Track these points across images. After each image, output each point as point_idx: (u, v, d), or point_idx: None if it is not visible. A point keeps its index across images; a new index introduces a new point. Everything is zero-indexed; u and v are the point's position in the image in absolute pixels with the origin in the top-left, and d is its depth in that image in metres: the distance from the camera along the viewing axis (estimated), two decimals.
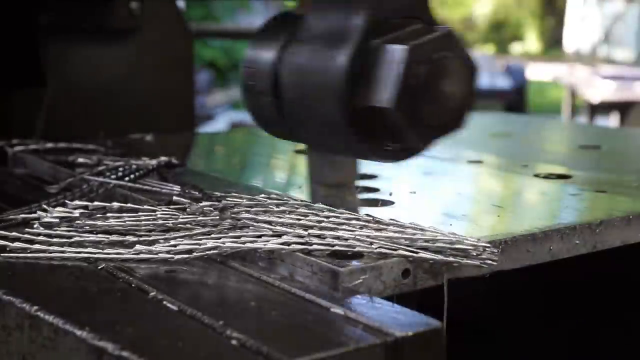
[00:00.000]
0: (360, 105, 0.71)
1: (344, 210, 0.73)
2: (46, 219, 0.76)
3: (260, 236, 0.70)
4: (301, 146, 1.28)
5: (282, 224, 0.71)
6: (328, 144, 0.78)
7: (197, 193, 0.83)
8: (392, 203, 0.88)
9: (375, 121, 0.72)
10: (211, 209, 0.74)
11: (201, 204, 0.75)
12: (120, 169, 0.95)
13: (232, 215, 0.72)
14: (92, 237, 0.73)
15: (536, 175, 1.04)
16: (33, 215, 0.79)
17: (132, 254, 0.70)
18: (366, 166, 1.10)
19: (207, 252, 0.70)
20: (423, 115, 0.71)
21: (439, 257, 0.68)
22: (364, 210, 0.79)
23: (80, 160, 1.01)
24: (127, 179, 0.92)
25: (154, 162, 0.97)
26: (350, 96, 0.71)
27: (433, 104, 0.72)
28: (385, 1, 0.72)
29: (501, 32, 20.35)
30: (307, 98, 0.74)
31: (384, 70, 0.70)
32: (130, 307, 0.61)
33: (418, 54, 0.70)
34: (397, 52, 0.70)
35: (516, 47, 20.25)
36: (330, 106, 0.72)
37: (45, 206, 0.81)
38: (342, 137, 0.73)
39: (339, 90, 0.71)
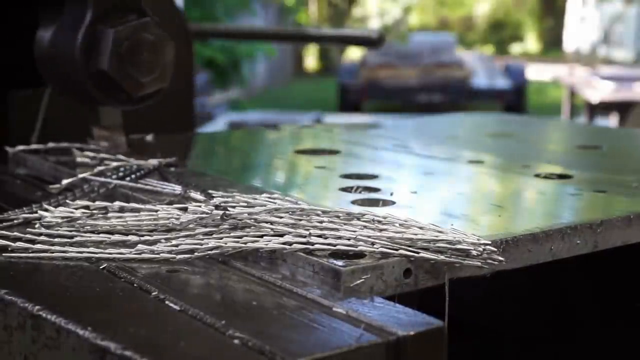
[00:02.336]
0: (93, 69, 1.06)
1: (344, 211, 0.74)
2: (48, 219, 0.76)
3: (261, 236, 0.70)
4: (301, 146, 1.29)
5: (284, 224, 0.71)
6: (78, 94, 1.11)
7: (198, 193, 0.83)
8: (393, 203, 0.88)
9: (104, 80, 1.07)
10: (213, 209, 0.74)
11: (203, 205, 0.75)
12: (122, 169, 0.95)
13: (233, 216, 0.72)
14: (94, 237, 0.73)
15: (536, 175, 1.04)
16: (34, 215, 0.79)
17: (134, 253, 0.70)
18: (366, 166, 1.10)
19: (209, 252, 0.70)
20: (132, 74, 1.07)
21: (440, 257, 0.68)
22: (365, 210, 0.79)
23: (81, 160, 1.01)
24: (128, 178, 0.92)
25: (155, 162, 0.97)
26: (85, 62, 1.06)
27: (137, 66, 1.07)
28: (105, 2, 1.08)
29: (501, 33, 20.36)
30: (64, 65, 1.08)
31: (102, 46, 1.06)
32: (132, 306, 0.61)
33: (122, 34, 1.06)
34: (109, 33, 1.06)
35: (515, 48, 20.26)
36: (75, 68, 1.07)
37: (46, 206, 0.81)
38: (84, 89, 1.08)
39: (77, 57, 1.06)
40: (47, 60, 1.11)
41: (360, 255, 0.68)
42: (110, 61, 1.06)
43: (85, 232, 0.75)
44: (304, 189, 1.02)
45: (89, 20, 1.07)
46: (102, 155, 1.02)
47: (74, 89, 1.11)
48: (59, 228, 0.75)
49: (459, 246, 0.69)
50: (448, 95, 10.45)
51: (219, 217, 0.72)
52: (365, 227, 0.71)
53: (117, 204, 0.78)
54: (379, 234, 0.69)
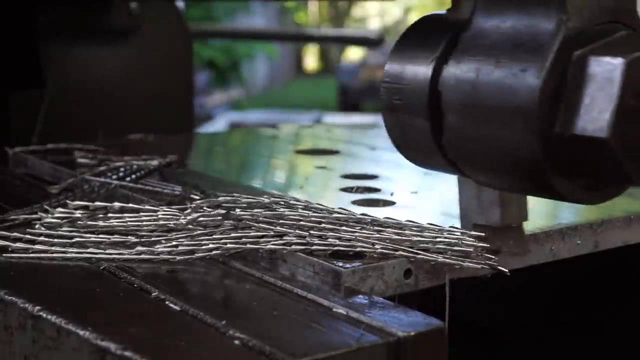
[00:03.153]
0: (559, 134, 0.57)
1: (345, 211, 0.73)
2: (48, 220, 0.76)
3: (261, 237, 0.70)
4: (301, 146, 1.29)
5: (283, 225, 0.71)
6: (508, 180, 0.64)
7: (197, 193, 0.83)
8: (393, 203, 0.88)
9: (577, 153, 0.58)
10: (213, 209, 0.74)
11: (203, 206, 0.75)
12: (122, 169, 0.95)
13: (234, 217, 0.72)
14: (94, 238, 0.73)
15: None
16: (34, 215, 0.79)
17: (134, 254, 0.70)
18: (366, 166, 1.10)
19: (209, 253, 0.70)
20: None
21: (440, 258, 0.68)
22: (366, 211, 0.79)
23: (81, 160, 1.01)
24: (128, 179, 0.92)
25: (155, 162, 0.97)
26: (547, 121, 0.57)
27: None
28: (585, 2, 0.58)
29: None
30: (483, 122, 0.60)
31: (592, 89, 0.56)
32: (132, 307, 0.61)
33: (638, 69, 0.56)
34: (611, 67, 0.56)
35: None
36: (519, 134, 0.57)
37: (46, 207, 0.80)
38: (532, 172, 0.59)
39: (533, 113, 0.56)
40: (433, 115, 0.63)
41: (361, 255, 0.68)
42: (615, 122, 0.55)
43: (85, 232, 0.75)
44: (304, 189, 1.02)
45: (560, 40, 0.57)
46: (102, 155, 1.02)
47: (494, 164, 0.62)
48: (59, 228, 0.75)
49: (458, 248, 0.69)
50: None
51: (219, 218, 0.72)
52: (365, 227, 0.71)
53: (117, 204, 0.78)
54: (378, 234, 0.69)
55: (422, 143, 0.65)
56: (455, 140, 0.63)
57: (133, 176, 0.93)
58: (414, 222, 0.72)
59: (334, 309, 0.59)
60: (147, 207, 0.77)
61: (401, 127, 0.66)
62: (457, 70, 0.61)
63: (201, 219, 0.73)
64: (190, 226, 0.73)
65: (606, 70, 0.56)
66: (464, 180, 0.71)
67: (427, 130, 0.64)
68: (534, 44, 0.57)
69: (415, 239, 0.69)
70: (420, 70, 0.63)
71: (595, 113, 0.55)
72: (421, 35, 0.65)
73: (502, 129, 0.58)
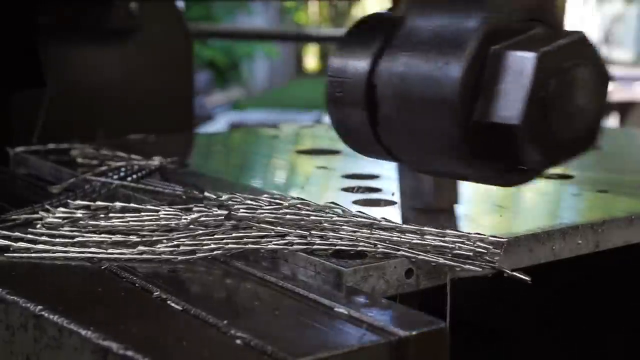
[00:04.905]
0: (477, 122, 0.63)
1: (346, 210, 0.74)
2: (49, 219, 0.76)
3: (263, 237, 0.70)
4: (302, 146, 1.29)
5: (285, 224, 0.71)
6: (435, 165, 0.69)
7: (198, 193, 0.83)
8: (394, 203, 0.88)
9: (494, 140, 0.63)
10: (215, 209, 0.74)
11: (205, 206, 0.75)
12: (123, 169, 0.95)
13: (236, 217, 0.72)
14: (95, 237, 0.73)
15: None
16: (36, 215, 0.79)
17: (136, 254, 0.70)
18: (367, 166, 1.10)
19: (211, 253, 0.70)
20: (552, 133, 0.62)
21: (441, 259, 0.68)
22: (366, 211, 0.79)
23: (82, 160, 1.01)
24: (129, 179, 0.92)
25: (156, 162, 0.97)
26: (467, 110, 0.62)
27: (563, 119, 0.63)
28: (504, 1, 0.64)
29: None
30: (411, 112, 0.66)
31: (507, 82, 0.61)
32: (134, 306, 0.61)
33: (548, 62, 0.61)
34: (524, 61, 0.61)
35: None
36: (443, 122, 0.63)
37: (48, 206, 0.81)
38: (455, 157, 0.65)
39: (454, 103, 0.62)
40: (370, 104, 0.68)
41: (362, 255, 0.68)
42: (527, 110, 0.61)
43: (86, 232, 0.75)
44: (305, 189, 1.02)
45: (479, 35, 0.63)
46: (102, 155, 1.02)
47: (431, 154, 0.68)
48: (60, 228, 0.75)
49: (459, 251, 0.69)
50: None
51: (220, 218, 0.72)
52: (366, 227, 0.71)
53: (119, 204, 0.78)
54: (380, 234, 0.69)
55: (361, 133, 0.71)
56: (389, 130, 0.69)
57: (134, 176, 0.93)
58: (414, 223, 0.72)
59: (336, 309, 0.59)
60: (148, 207, 0.77)
61: (343, 118, 0.72)
62: (390, 65, 0.67)
63: (202, 219, 0.73)
64: (191, 226, 0.73)
65: (519, 64, 0.61)
66: (401, 167, 0.79)
67: (365, 121, 0.69)
68: (456, 40, 0.63)
69: (416, 240, 0.69)
70: (359, 64, 0.68)
71: (509, 102, 0.61)
72: (362, 33, 0.71)
73: (428, 118, 0.64)
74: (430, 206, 0.78)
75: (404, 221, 0.73)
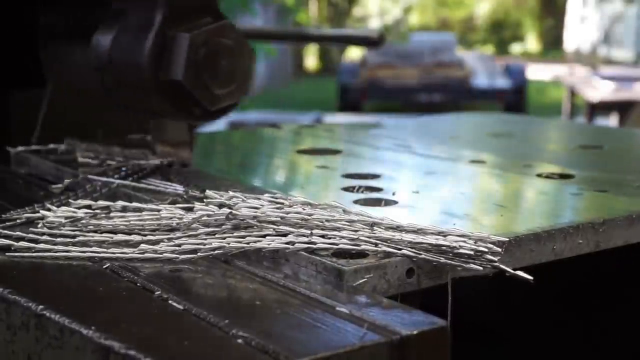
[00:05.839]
0: (163, 79, 0.93)
1: (347, 210, 0.74)
2: (50, 219, 0.76)
3: (264, 236, 0.70)
4: (302, 146, 1.29)
5: (286, 224, 0.71)
6: (144, 107, 1.00)
7: (198, 192, 0.83)
8: (395, 202, 0.88)
9: (177, 91, 0.94)
10: (216, 209, 0.74)
11: (206, 205, 0.75)
12: (123, 168, 0.95)
13: (237, 216, 0.72)
14: (97, 237, 0.73)
15: (538, 175, 1.04)
16: (37, 214, 0.80)
17: (137, 253, 0.70)
18: (368, 166, 1.10)
19: (212, 252, 0.70)
20: (208, 85, 0.95)
21: (442, 259, 0.68)
22: (367, 210, 0.79)
23: (83, 160, 1.01)
24: (130, 178, 0.92)
25: (156, 161, 0.97)
26: (154, 70, 0.93)
27: (215, 76, 0.95)
28: (177, 1, 0.95)
29: (501, 33, 20.35)
30: (128, 74, 0.96)
31: (175, 52, 0.93)
32: (135, 306, 0.61)
33: (198, 39, 0.94)
34: (184, 38, 0.93)
35: (516, 48, 20.25)
36: (148, 81, 0.94)
37: (49, 206, 0.81)
38: (152, 101, 0.96)
39: (144, 66, 0.93)
40: (106, 67, 0.98)
41: (363, 254, 0.68)
42: (186, 70, 0.92)
43: (87, 231, 0.75)
44: (306, 188, 1.02)
45: (159, 22, 0.94)
46: (104, 155, 1.02)
47: (138, 100, 0.99)
48: (61, 228, 0.75)
49: (460, 250, 0.69)
50: (448, 95, 10.44)
51: (222, 217, 0.72)
52: (367, 227, 0.71)
53: (120, 203, 0.78)
54: (381, 234, 0.69)
55: (106, 86, 1.01)
56: (118, 84, 0.99)
57: (135, 175, 0.93)
58: (416, 222, 0.72)
59: (337, 308, 0.60)
60: (149, 206, 0.77)
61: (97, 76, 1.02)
62: (116, 42, 0.97)
63: (204, 218, 0.73)
64: (193, 225, 0.73)
65: (181, 40, 0.93)
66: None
67: (107, 78, 0.99)
68: (147, 26, 0.94)
69: (417, 239, 0.69)
70: (104, 42, 0.98)
71: (176, 65, 0.93)
72: (108, 19, 1.00)
73: (135, 78, 0.95)
74: (168, 139, 1.06)
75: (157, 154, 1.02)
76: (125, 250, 0.71)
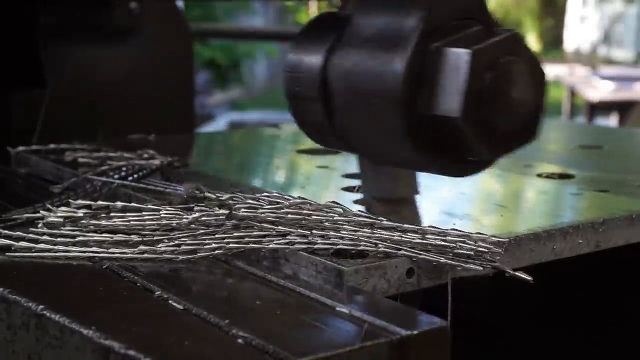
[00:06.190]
0: (420, 114, 0.66)
1: (347, 210, 0.74)
2: (50, 219, 0.77)
3: (264, 236, 0.70)
4: (302, 146, 1.29)
5: (286, 224, 0.71)
6: (385, 154, 0.73)
7: (199, 193, 0.83)
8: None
9: (439, 131, 0.67)
10: (216, 209, 0.74)
11: (206, 206, 0.75)
12: (124, 168, 0.95)
13: (237, 216, 0.72)
14: (97, 237, 0.73)
15: (538, 175, 1.04)
16: (37, 214, 0.80)
17: (137, 253, 0.70)
18: None
19: (212, 252, 0.70)
20: (491, 125, 0.66)
21: (442, 259, 0.68)
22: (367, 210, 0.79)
23: (83, 160, 1.01)
24: (130, 178, 0.92)
25: (157, 161, 0.97)
26: (410, 102, 0.66)
27: (501, 111, 0.66)
28: (441, 1, 0.68)
29: None
30: (360, 105, 0.70)
31: (446, 77, 0.65)
32: (136, 306, 0.61)
33: (482, 58, 0.65)
34: (460, 56, 0.65)
35: None
36: (387, 113, 0.67)
37: (49, 206, 0.81)
38: (400, 147, 0.68)
39: (397, 95, 0.66)
40: (316, 97, 0.73)
41: (363, 254, 0.68)
42: (465, 104, 0.65)
43: (87, 231, 0.75)
44: (306, 188, 1.02)
45: (419, 31, 0.66)
46: (103, 155, 1.02)
47: (376, 145, 0.73)
48: (61, 228, 0.75)
49: (460, 250, 0.69)
50: None
51: (221, 217, 0.72)
52: (367, 226, 0.71)
53: (120, 203, 0.78)
54: (381, 234, 0.69)
55: (318, 125, 0.75)
56: (342, 121, 0.73)
57: (135, 176, 0.93)
58: (416, 222, 0.72)
59: (337, 308, 0.60)
60: (149, 206, 0.77)
61: (302, 111, 0.76)
62: (341, 60, 0.71)
63: (204, 218, 0.73)
64: (192, 225, 0.73)
65: (456, 60, 0.65)
66: (361, 157, 0.83)
67: (321, 113, 0.73)
68: (398, 38, 0.67)
69: (417, 239, 0.69)
70: (313, 60, 0.72)
71: (449, 96, 0.65)
72: (315, 31, 0.75)
73: (375, 110, 0.68)
74: (390, 196, 0.82)
75: (369, 210, 0.76)
76: (125, 250, 0.71)
